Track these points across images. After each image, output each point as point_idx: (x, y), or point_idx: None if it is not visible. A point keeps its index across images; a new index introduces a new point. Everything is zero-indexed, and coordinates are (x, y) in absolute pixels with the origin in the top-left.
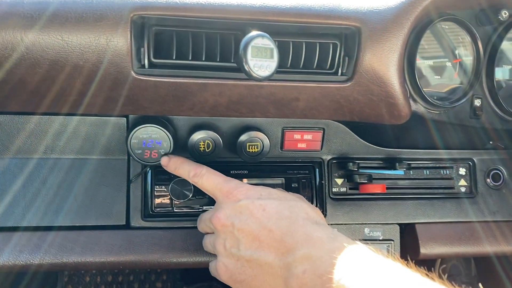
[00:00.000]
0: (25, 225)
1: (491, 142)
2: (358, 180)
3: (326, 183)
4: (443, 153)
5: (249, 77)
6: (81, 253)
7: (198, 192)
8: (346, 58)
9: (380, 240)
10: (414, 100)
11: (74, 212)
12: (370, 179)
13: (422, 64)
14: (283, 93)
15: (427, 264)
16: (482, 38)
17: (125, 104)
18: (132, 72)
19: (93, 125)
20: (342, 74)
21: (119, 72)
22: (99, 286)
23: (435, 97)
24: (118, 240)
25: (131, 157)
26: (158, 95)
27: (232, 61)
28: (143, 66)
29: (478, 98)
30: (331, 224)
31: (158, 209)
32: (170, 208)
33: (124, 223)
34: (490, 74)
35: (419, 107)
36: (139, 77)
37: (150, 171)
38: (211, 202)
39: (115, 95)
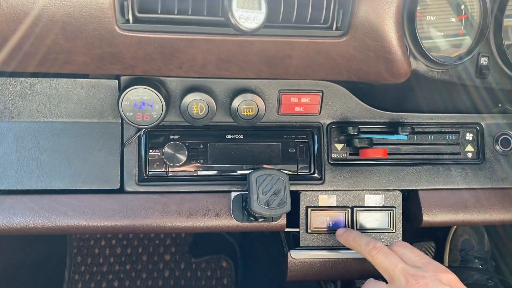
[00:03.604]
0: (18, 188)
1: (499, 105)
2: (358, 145)
3: (325, 148)
4: (448, 117)
5: (235, 29)
6: (75, 217)
7: (192, 157)
8: (341, 11)
9: (381, 207)
10: (415, 57)
11: (68, 175)
12: (371, 143)
13: (424, 19)
14: (275, 49)
15: (439, 238)
16: None
17: (111, 63)
18: (116, 27)
19: (85, 87)
20: (336, 29)
21: (103, 28)
22: (108, 258)
23: None
24: (113, 204)
25: (124, 121)
26: (145, 52)
27: (220, 15)
28: (128, 21)
29: (485, 56)
30: (329, 190)
31: (152, 173)
32: (165, 173)
33: (118, 187)
34: (498, 30)
35: (420, 65)
36: (123, 32)
37: (144, 134)
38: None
39: (100, 52)
